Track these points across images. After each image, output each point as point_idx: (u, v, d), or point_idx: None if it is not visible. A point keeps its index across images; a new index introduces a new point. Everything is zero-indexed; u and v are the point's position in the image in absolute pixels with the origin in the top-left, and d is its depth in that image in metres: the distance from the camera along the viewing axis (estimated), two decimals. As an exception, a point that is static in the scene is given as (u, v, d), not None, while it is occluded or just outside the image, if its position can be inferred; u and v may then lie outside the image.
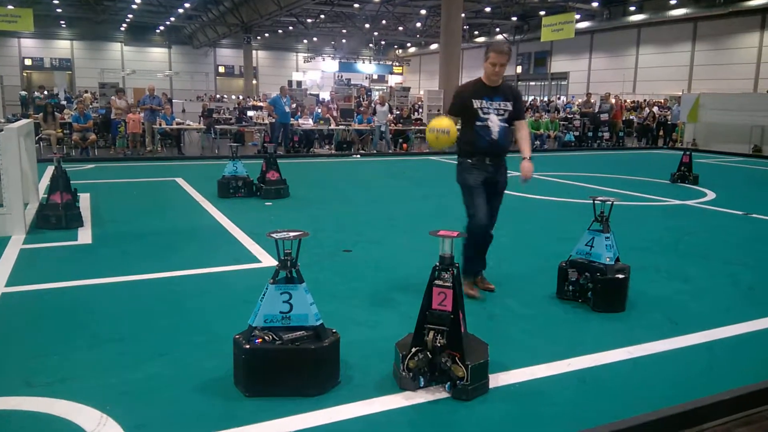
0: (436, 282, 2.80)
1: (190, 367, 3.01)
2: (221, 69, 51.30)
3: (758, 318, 3.88)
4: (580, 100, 24.43)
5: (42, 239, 5.60)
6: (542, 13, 29.68)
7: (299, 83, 38.72)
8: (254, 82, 44.95)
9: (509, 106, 4.08)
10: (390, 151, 15.54)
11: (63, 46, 46.53)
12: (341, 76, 40.38)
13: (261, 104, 21.12)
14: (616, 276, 3.90)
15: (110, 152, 13.84)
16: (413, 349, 2.80)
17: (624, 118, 20.03)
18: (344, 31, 42.09)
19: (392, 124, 16.07)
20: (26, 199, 6.34)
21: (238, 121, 18.33)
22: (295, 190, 8.39)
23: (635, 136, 20.63)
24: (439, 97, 18.64)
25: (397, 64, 47.18)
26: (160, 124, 13.67)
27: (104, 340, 3.34)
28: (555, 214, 7.61)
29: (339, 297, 4.12)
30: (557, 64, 40.13)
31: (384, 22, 39.24)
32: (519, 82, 40.33)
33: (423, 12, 34.03)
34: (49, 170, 6.92)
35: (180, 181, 9.53)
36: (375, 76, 46.82)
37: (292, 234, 2.73)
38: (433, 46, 41.27)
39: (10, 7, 22.63)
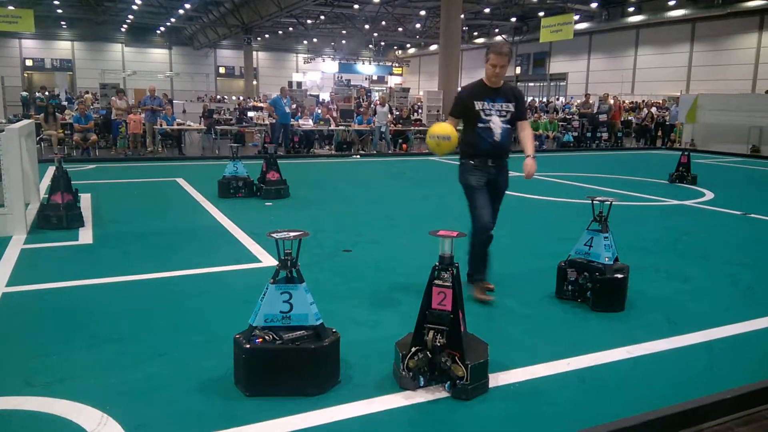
0: (436, 282, 2.80)
1: (190, 366, 3.02)
2: (222, 70, 51.32)
3: (757, 317, 3.88)
4: (578, 101, 24.49)
5: (43, 239, 5.61)
6: (541, 14, 29.71)
7: (299, 84, 38.82)
8: (254, 82, 44.99)
9: (511, 107, 4.06)
10: (390, 152, 15.55)
11: (64, 47, 46.55)
12: (341, 77, 40.46)
13: (261, 105, 21.15)
14: (615, 276, 3.91)
15: (111, 153, 13.85)
16: (413, 349, 2.81)
17: (622, 119, 20.07)
18: (344, 32, 42.12)
19: (392, 125, 16.08)
20: (27, 199, 6.35)
21: (239, 121, 18.34)
22: (295, 191, 8.40)
23: (634, 136, 20.66)
24: (438, 97, 18.66)
25: (396, 65, 47.24)
26: (161, 125, 13.68)
27: (104, 340, 3.35)
28: (554, 214, 7.62)
29: (339, 297, 4.13)
30: (556, 65, 40.18)
31: (384, 23, 39.27)
32: (518, 83, 40.31)
33: (422, 13, 34.04)
34: (50, 171, 6.94)
35: (181, 181, 9.54)
36: (375, 77, 46.85)
37: (292, 234, 2.73)
38: (433, 47, 41.31)
39: (10, 7, 22.67)
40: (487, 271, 4.21)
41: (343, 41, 45.78)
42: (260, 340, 2.71)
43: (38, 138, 11.81)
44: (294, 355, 2.69)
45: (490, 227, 4.06)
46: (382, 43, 48.40)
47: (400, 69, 46.53)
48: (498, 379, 2.93)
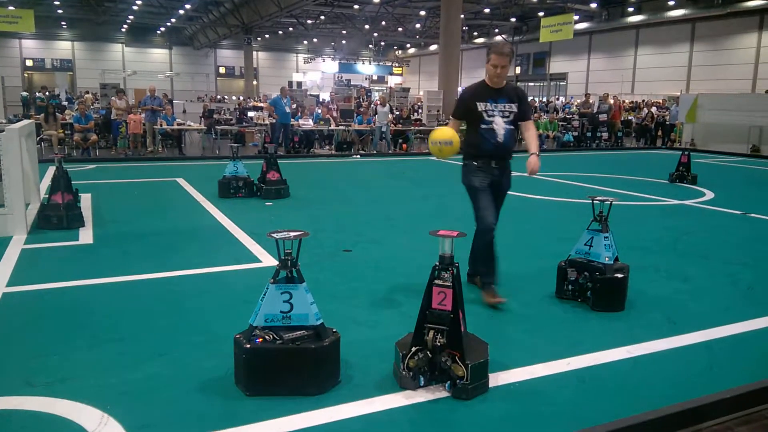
0: (436, 281, 2.81)
1: (190, 366, 3.02)
2: (222, 70, 51.34)
3: (757, 317, 3.88)
4: (578, 101, 24.47)
5: (43, 239, 5.61)
6: (541, 14, 29.72)
7: (299, 84, 38.84)
8: (255, 82, 45.00)
9: (514, 107, 4.03)
10: (390, 152, 15.55)
11: (64, 47, 46.57)
12: (341, 77, 40.45)
13: (261, 105, 21.15)
14: (615, 275, 3.91)
15: (111, 153, 13.85)
16: (413, 349, 2.81)
17: (622, 119, 20.07)
18: (344, 32, 42.13)
19: (392, 125, 16.09)
20: (28, 199, 6.35)
21: (239, 121, 18.34)
22: (296, 191, 8.41)
23: (634, 136, 20.67)
24: (438, 97, 18.67)
25: (396, 64, 47.25)
26: (161, 125, 13.69)
27: (104, 340, 3.35)
28: (554, 214, 7.62)
29: (339, 297, 4.13)
30: (556, 65, 40.19)
31: (384, 23, 39.28)
32: (518, 83, 40.34)
33: (422, 13, 34.05)
34: (51, 171, 6.95)
35: (181, 181, 9.55)
36: (375, 77, 46.86)
37: (292, 234, 2.74)
38: (433, 47, 41.32)
39: (11, 8, 22.69)
40: (496, 274, 4.11)
41: (343, 41, 45.79)
42: (260, 339, 2.71)
43: (38, 138, 11.82)
44: (294, 354, 2.70)
45: (493, 228, 4.04)
46: (382, 43, 48.41)
47: (400, 69, 46.53)
48: (498, 378, 2.93)
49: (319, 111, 17.22)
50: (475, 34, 40.51)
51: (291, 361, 2.71)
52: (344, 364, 2.92)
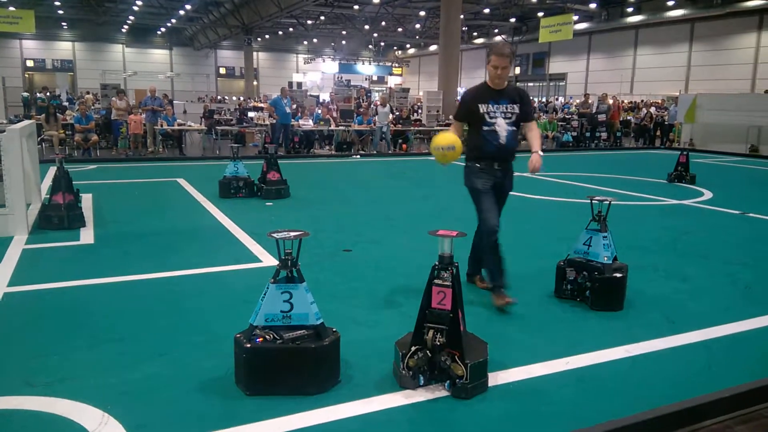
0: (436, 281, 2.81)
1: (190, 366, 3.03)
2: (222, 70, 51.32)
3: (756, 317, 3.89)
4: (578, 101, 24.51)
5: (44, 239, 5.62)
6: (540, 14, 29.72)
7: (299, 84, 38.84)
8: (255, 83, 44.99)
9: (516, 108, 4.01)
10: (390, 152, 15.56)
11: (64, 48, 46.55)
12: (341, 78, 40.50)
13: (262, 105, 21.16)
14: (614, 275, 3.92)
15: (112, 153, 13.86)
16: (413, 348, 2.82)
17: (621, 119, 20.07)
18: (344, 32, 42.14)
19: (392, 125, 16.10)
20: (29, 199, 6.36)
21: (239, 122, 18.34)
22: (296, 191, 8.42)
23: (633, 136, 20.67)
24: (438, 98, 18.67)
25: (396, 65, 47.25)
26: (162, 125, 13.70)
27: (104, 340, 3.36)
28: (554, 213, 7.63)
29: (339, 296, 4.14)
30: (555, 65, 40.19)
31: (383, 23, 39.28)
32: (517, 83, 40.36)
33: (422, 13, 34.06)
34: (52, 171, 6.95)
35: (181, 181, 9.56)
36: (374, 77, 46.87)
37: (292, 234, 2.75)
38: (433, 48, 41.32)
39: (11, 8, 22.71)
40: (504, 276, 4.05)
41: (343, 41, 45.78)
42: (261, 339, 2.72)
43: (39, 138, 11.81)
44: (294, 354, 2.71)
45: (497, 230, 4.02)
46: (382, 44, 48.40)
47: (400, 69, 46.55)
48: (497, 378, 2.94)
49: (319, 111, 17.23)
50: (475, 34, 40.51)
51: (291, 361, 2.72)
52: (344, 363, 2.93)
